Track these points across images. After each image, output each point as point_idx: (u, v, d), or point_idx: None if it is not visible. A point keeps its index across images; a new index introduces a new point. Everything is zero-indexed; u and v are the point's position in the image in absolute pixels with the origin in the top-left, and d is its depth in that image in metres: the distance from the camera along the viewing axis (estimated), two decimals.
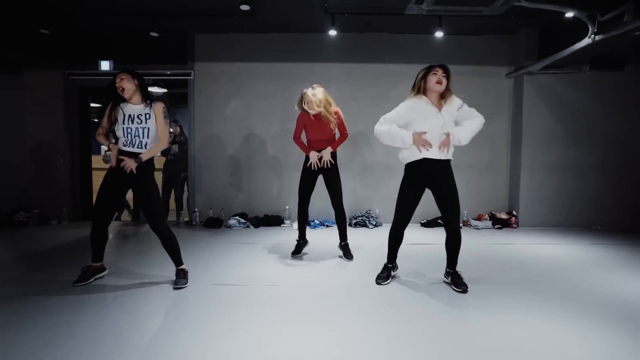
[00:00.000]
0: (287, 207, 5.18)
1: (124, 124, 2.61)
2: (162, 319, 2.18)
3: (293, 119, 5.16)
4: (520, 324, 2.15)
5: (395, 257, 2.88)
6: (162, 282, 2.77)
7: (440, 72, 2.54)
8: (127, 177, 2.59)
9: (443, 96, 2.60)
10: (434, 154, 2.57)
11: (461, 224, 5.17)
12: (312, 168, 3.30)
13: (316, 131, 3.33)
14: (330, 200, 3.42)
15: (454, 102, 2.62)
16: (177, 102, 8.63)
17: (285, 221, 5.12)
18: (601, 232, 4.73)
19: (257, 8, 4.25)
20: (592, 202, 5.03)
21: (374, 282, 2.83)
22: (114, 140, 2.72)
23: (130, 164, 2.53)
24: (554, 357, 1.80)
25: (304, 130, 3.43)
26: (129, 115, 2.63)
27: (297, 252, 3.51)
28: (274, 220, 5.08)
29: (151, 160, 2.69)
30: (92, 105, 5.79)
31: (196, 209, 5.18)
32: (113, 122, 2.62)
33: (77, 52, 5.18)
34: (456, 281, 2.64)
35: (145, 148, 2.64)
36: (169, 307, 2.35)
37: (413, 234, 4.55)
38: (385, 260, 2.90)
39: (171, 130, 5.47)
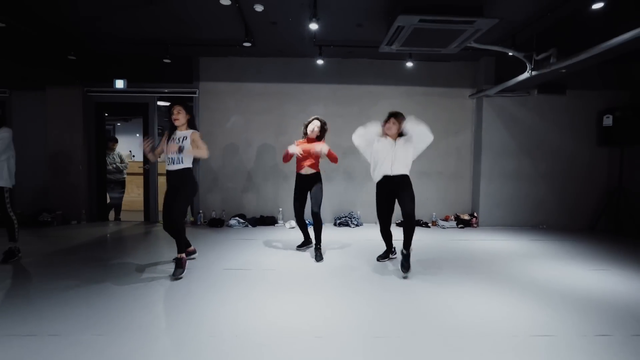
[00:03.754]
0: (280, 209, 5.95)
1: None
2: (189, 290, 2.93)
3: (286, 132, 6.02)
4: (454, 295, 2.96)
5: (390, 245, 3.84)
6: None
7: (391, 120, 3.51)
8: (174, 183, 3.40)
9: (400, 135, 3.55)
10: (388, 171, 3.48)
11: (430, 224, 6.01)
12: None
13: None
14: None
15: (405, 137, 3.50)
16: None
17: (279, 221, 5.88)
18: (546, 231, 5.61)
19: (255, 40, 5.01)
20: (541, 205, 5.92)
21: (355, 266, 3.68)
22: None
23: (172, 147, 3.33)
24: (480, 318, 2.61)
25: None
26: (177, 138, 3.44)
27: (302, 245, 4.37)
28: (269, 221, 5.84)
29: (194, 180, 3.47)
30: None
31: (200, 211, 5.90)
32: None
33: (94, 71, 5.87)
34: (404, 264, 3.43)
35: (182, 162, 3.39)
36: (195, 283, 3.10)
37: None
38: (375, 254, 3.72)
39: None
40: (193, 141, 3.42)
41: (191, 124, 3.53)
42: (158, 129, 10.76)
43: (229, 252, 4.19)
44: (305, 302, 2.79)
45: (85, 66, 5.82)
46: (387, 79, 6.01)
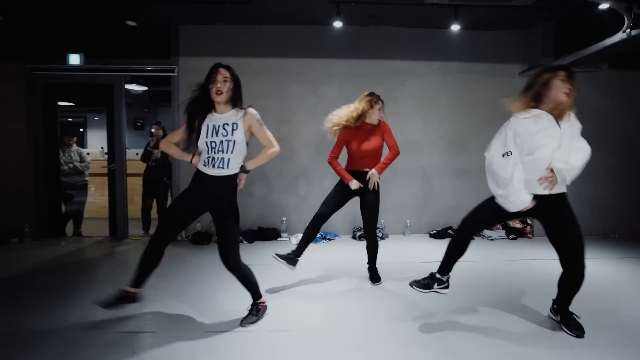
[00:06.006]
0: (283, 219, 4.67)
1: (207, 137, 2.15)
2: None
3: (290, 120, 4.74)
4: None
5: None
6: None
7: (569, 80, 2.04)
8: (210, 199, 2.16)
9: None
10: (540, 190, 2.09)
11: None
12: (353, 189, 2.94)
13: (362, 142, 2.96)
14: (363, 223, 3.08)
15: (573, 119, 2.14)
16: (158, 101, 7.99)
17: (282, 234, 4.61)
18: (621, 242, 4.45)
19: None
20: (611, 209, 4.75)
21: (400, 319, 2.42)
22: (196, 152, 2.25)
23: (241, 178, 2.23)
24: None
25: (345, 147, 3.04)
26: (213, 126, 2.16)
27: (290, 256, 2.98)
28: (270, 234, 4.57)
29: (235, 183, 2.23)
30: (60, 104, 5.11)
31: None
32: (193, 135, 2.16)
33: (41, 44, 4.50)
34: (569, 323, 2.21)
35: (228, 167, 2.16)
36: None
37: (421, 247, 4.26)
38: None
39: (152, 131, 4.92)
40: (251, 131, 2.25)
41: (234, 100, 2.22)
42: (138, 122, 9.38)
43: (220, 287, 2.90)
44: None
45: (28, 35, 4.46)
46: (417, 54, 4.76)
